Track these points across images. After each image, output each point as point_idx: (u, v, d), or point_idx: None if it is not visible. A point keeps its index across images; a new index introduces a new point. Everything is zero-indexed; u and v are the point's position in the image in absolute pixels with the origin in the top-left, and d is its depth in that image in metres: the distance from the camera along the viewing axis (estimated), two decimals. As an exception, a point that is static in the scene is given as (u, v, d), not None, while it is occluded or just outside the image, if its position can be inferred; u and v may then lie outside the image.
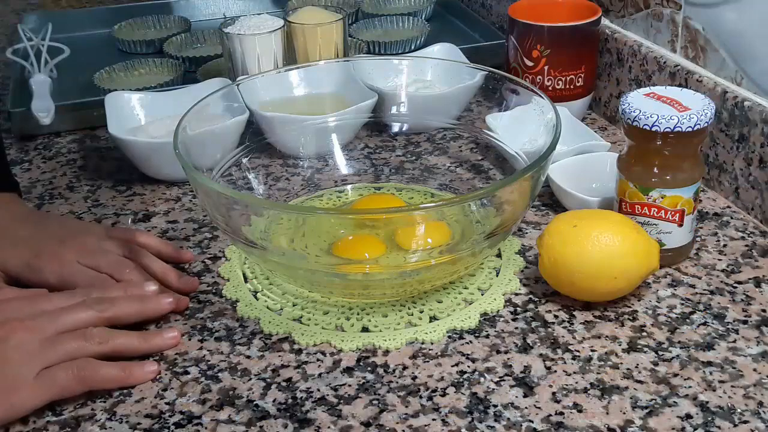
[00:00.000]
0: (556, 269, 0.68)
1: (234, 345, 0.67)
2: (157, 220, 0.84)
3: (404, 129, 0.93)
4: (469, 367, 0.64)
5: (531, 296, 0.71)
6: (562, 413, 0.59)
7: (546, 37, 0.94)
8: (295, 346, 0.66)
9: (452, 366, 0.64)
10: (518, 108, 0.81)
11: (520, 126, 0.80)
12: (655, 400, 0.60)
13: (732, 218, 0.81)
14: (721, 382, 0.61)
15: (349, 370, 0.64)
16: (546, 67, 0.95)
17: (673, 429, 0.57)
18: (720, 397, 0.60)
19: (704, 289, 0.71)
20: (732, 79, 0.82)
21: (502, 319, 0.69)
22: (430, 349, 0.66)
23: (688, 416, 0.58)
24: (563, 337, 0.66)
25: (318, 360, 0.65)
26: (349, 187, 0.86)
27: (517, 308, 0.70)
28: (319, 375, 0.63)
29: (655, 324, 0.67)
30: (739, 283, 0.72)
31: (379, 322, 0.68)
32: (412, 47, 1.20)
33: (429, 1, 1.33)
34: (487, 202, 0.73)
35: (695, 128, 0.68)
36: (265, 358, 0.65)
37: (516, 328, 0.67)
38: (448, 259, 0.68)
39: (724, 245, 0.77)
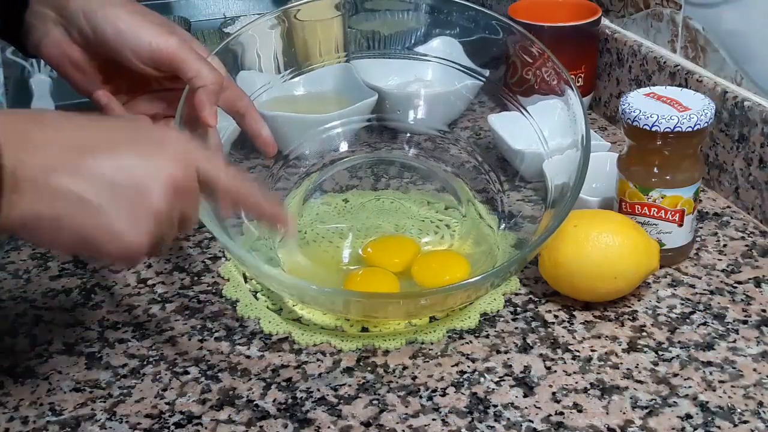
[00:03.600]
0: (556, 269, 0.68)
1: (234, 345, 0.67)
2: (157, 220, 0.84)
3: (404, 129, 0.93)
4: (469, 367, 0.64)
5: (531, 296, 0.71)
6: (562, 413, 0.59)
7: (546, 37, 0.94)
8: (295, 346, 0.66)
9: (452, 366, 0.64)
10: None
11: (522, 126, 0.80)
12: (655, 400, 0.60)
13: (732, 218, 0.81)
14: (721, 382, 0.61)
15: (349, 370, 0.64)
16: (546, 67, 0.95)
17: (673, 429, 0.57)
18: (720, 397, 0.60)
19: (704, 289, 0.71)
20: (732, 79, 0.82)
21: (502, 319, 0.69)
22: (430, 349, 0.66)
23: (688, 416, 0.58)
24: (563, 337, 0.66)
25: (318, 360, 0.65)
26: (350, 190, 0.86)
27: (517, 308, 0.70)
28: (319, 375, 0.63)
29: (655, 324, 0.67)
30: (739, 283, 0.72)
31: (379, 322, 0.68)
32: (412, 40, 1.19)
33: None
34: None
35: (695, 128, 0.68)
36: (265, 358, 0.65)
37: (516, 328, 0.67)
38: (466, 299, 0.67)
39: (724, 245, 0.77)
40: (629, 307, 0.69)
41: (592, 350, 0.65)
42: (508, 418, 0.59)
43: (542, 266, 0.69)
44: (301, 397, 0.61)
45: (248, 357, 0.66)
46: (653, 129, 0.69)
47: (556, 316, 0.68)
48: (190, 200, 0.54)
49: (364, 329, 0.68)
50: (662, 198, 0.71)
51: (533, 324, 0.68)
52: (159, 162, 0.52)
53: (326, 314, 0.69)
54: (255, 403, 0.61)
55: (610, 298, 0.68)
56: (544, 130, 0.77)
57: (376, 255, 0.74)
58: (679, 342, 0.65)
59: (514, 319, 0.68)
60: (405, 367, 0.64)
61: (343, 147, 0.89)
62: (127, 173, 0.50)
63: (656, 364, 0.63)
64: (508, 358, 0.64)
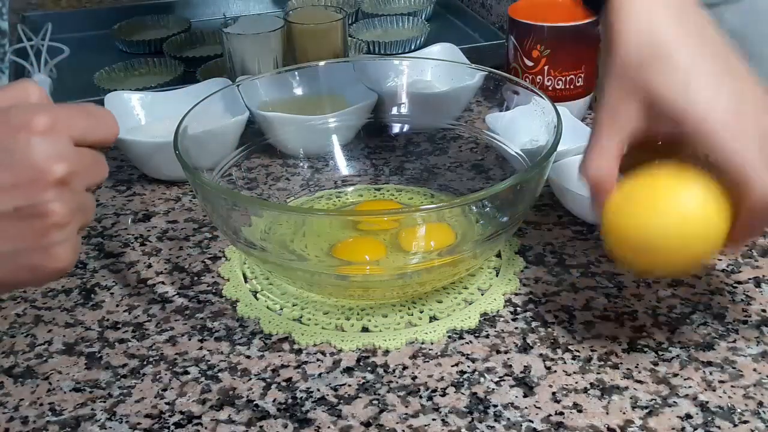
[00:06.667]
0: (630, 234, 0.57)
1: (234, 345, 0.67)
2: (157, 220, 0.84)
3: (404, 129, 0.93)
4: (469, 367, 0.64)
5: (531, 296, 0.71)
6: (562, 413, 0.59)
7: (546, 37, 0.94)
8: (295, 346, 0.66)
9: (452, 366, 0.64)
10: (518, 108, 0.81)
11: (521, 126, 0.80)
12: (655, 400, 0.60)
13: (732, 218, 0.80)
14: (721, 382, 0.61)
15: (349, 370, 0.64)
16: (546, 67, 0.95)
17: (673, 429, 0.57)
18: (720, 397, 0.60)
19: (704, 289, 0.71)
20: (732, 79, 0.82)
21: (502, 319, 0.69)
22: (430, 349, 0.66)
23: (688, 416, 0.58)
24: (563, 337, 0.66)
25: (318, 360, 0.65)
26: (350, 188, 0.86)
27: (517, 308, 0.70)
28: (319, 375, 0.63)
29: (655, 324, 0.67)
30: (739, 283, 0.72)
31: (379, 322, 0.68)
32: (412, 47, 1.20)
33: (429, 1, 1.33)
34: (488, 203, 0.73)
35: (695, 128, 0.68)
36: (265, 358, 0.65)
37: (516, 328, 0.67)
38: (450, 260, 0.68)
39: (724, 245, 0.77)
40: (629, 307, 0.69)
41: (592, 350, 0.65)
42: (508, 418, 0.59)
43: (613, 228, 0.59)
44: (301, 397, 0.61)
45: (248, 357, 0.66)
46: (653, 129, 0.68)
47: (556, 316, 0.68)
48: (86, 171, 0.48)
49: (365, 329, 0.68)
50: (662, 198, 0.70)
51: (533, 324, 0.68)
52: (31, 170, 0.45)
53: (327, 313, 0.69)
54: (255, 403, 0.61)
55: (688, 268, 0.64)
56: (539, 129, 0.77)
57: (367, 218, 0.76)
58: (679, 342, 0.65)
59: (514, 319, 0.68)
60: (405, 367, 0.64)
61: (342, 148, 0.89)
62: (9, 207, 0.45)
63: (656, 364, 0.63)
64: (508, 358, 0.64)
